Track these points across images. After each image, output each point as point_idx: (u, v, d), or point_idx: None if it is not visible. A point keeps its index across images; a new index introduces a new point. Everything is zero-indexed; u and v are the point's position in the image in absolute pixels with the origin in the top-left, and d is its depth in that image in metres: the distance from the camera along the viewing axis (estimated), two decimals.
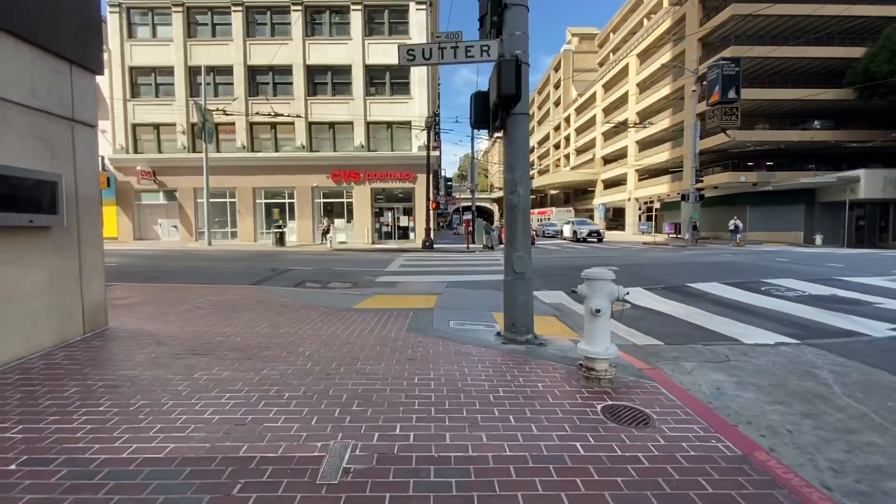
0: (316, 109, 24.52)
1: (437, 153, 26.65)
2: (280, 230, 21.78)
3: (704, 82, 27.41)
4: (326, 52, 24.33)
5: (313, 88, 24.75)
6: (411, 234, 25.16)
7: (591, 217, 49.32)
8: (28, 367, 3.71)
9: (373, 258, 16.35)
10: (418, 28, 23.87)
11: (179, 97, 24.68)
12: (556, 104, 75.18)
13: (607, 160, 53.15)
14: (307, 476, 2.21)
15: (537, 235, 35.75)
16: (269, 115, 23.23)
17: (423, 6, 23.84)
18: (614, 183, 51.82)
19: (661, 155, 39.88)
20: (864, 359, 4.63)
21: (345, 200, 25.11)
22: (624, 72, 47.58)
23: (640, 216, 45.88)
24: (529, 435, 2.65)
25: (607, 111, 51.88)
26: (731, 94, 26.63)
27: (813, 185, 29.00)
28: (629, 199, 47.01)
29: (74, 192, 4.49)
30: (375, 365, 3.87)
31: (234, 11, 24.21)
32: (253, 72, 24.73)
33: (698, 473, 2.30)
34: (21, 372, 3.62)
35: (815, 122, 33.47)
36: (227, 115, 23.39)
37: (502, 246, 22.48)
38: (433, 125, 23.44)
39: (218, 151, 24.46)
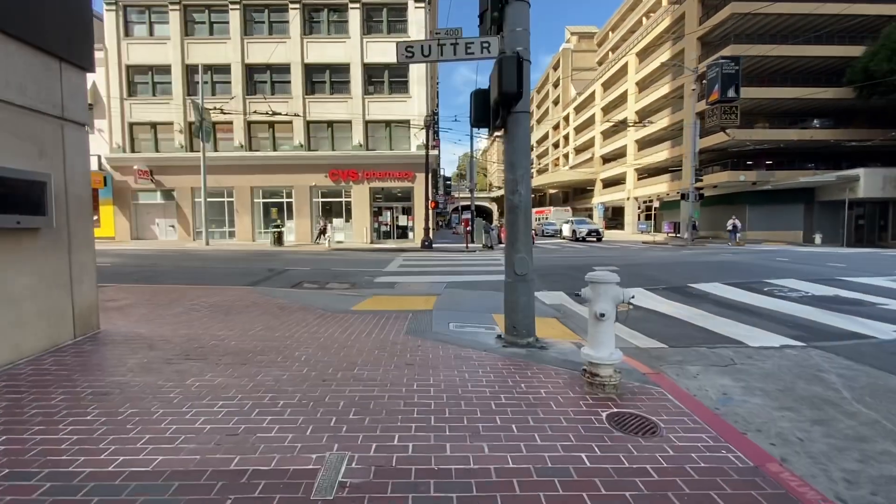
0: (314, 108, 24.38)
1: (435, 152, 26.55)
2: (278, 230, 21.66)
3: (704, 81, 27.33)
4: (324, 51, 24.19)
5: (311, 87, 24.62)
6: (410, 234, 25.05)
7: (590, 216, 49.28)
8: (15, 374, 3.61)
9: (371, 258, 16.25)
10: (417, 26, 23.75)
11: (177, 96, 24.53)
12: (555, 103, 75.11)
13: (606, 159, 53.09)
14: (301, 491, 2.10)
15: (536, 235, 35.68)
16: (267, 113, 23.09)
17: (422, 4, 23.71)
18: (613, 182, 51.77)
19: (660, 154, 39.82)
20: (871, 362, 4.55)
21: (343, 200, 24.99)
22: (623, 70, 47.51)
23: (639, 215, 45.83)
24: (533, 445, 2.55)
25: (606, 110, 51.83)
26: (731, 93, 26.56)
27: (812, 184, 28.96)
28: (628, 199, 46.97)
29: (64, 192, 4.38)
30: (373, 370, 3.77)
31: (231, 9, 24.05)
32: (251, 70, 24.58)
33: (710, 487, 2.20)
34: (7, 379, 3.51)
35: (815, 121, 33.45)
36: (225, 113, 23.26)
37: (502, 245, 22.48)
38: (432, 124, 23.33)
39: (216, 150, 24.33)
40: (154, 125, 24.91)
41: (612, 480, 2.23)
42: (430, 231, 22.14)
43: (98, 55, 24.28)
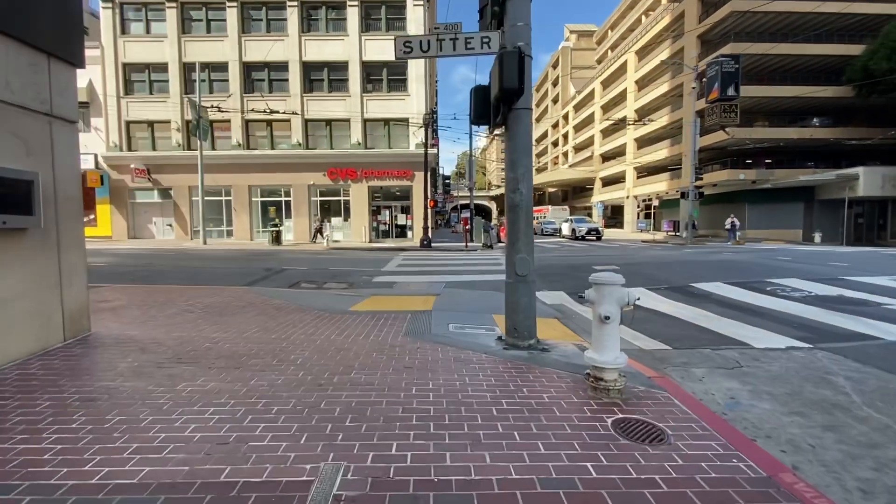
0: (312, 106, 24.24)
1: (434, 151, 26.44)
2: (276, 229, 21.53)
3: (704, 79, 27.23)
4: (323, 49, 24.04)
5: (309, 85, 24.47)
6: (409, 233, 24.94)
7: (590, 215, 49.22)
8: (0, 379, 3.49)
9: (370, 257, 16.13)
10: (416, 24, 23.60)
11: (174, 94, 24.37)
12: (555, 101, 75.03)
13: (606, 158, 53.01)
14: None
15: (535, 234, 35.54)
16: (265, 111, 22.95)
17: (421, 2, 23.57)
18: (613, 181, 51.70)
19: (659, 152, 39.74)
20: (879, 364, 4.46)
21: (342, 199, 24.86)
22: (622, 69, 47.41)
23: (638, 214, 45.76)
24: (536, 454, 2.45)
25: (606, 108, 51.74)
26: (731, 91, 26.45)
27: (812, 182, 28.91)
28: (628, 197, 46.90)
29: (53, 191, 4.26)
30: (371, 374, 3.66)
31: (228, 7, 23.88)
32: (248, 68, 24.43)
33: (722, 499, 2.10)
34: None
35: (815, 120, 33.39)
36: (222, 111, 23.12)
37: (501, 244, 22.36)
38: (431, 122, 23.21)
39: (213, 149, 24.19)
40: (151, 123, 24.75)
41: (621, 493, 2.12)
42: (429, 230, 22.03)
43: (94, 53, 24.12)
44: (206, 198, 22.67)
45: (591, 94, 56.21)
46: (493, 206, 74.77)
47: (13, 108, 3.86)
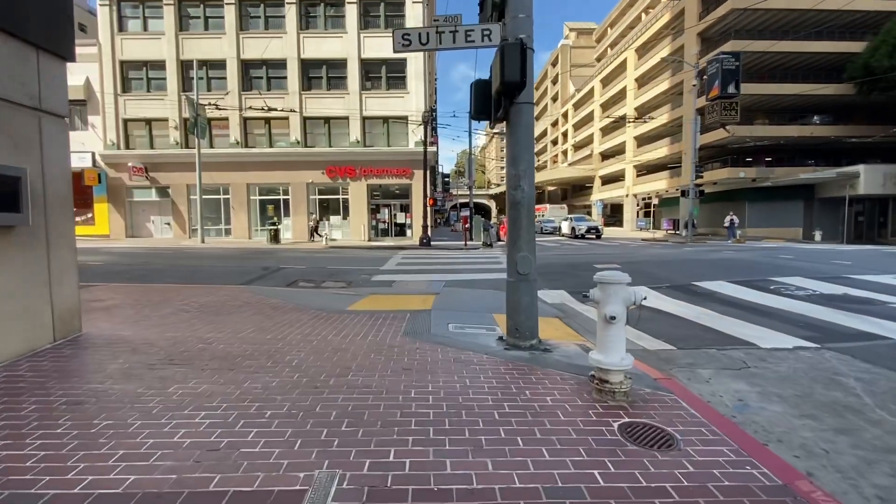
0: (311, 104, 24.10)
1: (434, 149, 26.31)
2: (274, 227, 21.39)
3: (704, 76, 27.11)
4: (321, 46, 23.89)
5: (308, 83, 24.32)
6: (408, 231, 24.82)
7: (589, 213, 49.11)
8: None
9: (369, 256, 16.02)
10: (415, 21, 23.45)
11: (171, 92, 24.21)
12: (554, 100, 74.88)
13: (605, 156, 52.88)
14: None
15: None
16: (263, 109, 22.78)
17: None
18: (612, 179, 51.58)
19: (659, 151, 39.62)
20: (889, 364, 4.36)
21: (340, 197, 24.73)
22: (622, 67, 47.26)
23: (638, 212, 45.66)
24: (541, 461, 2.34)
25: (605, 107, 51.60)
26: (731, 89, 26.32)
27: (812, 180, 28.80)
28: (627, 196, 46.79)
29: (42, 187, 4.15)
30: (368, 376, 3.55)
31: (226, 4, 23.71)
32: (246, 66, 24.27)
33: None
34: None
35: (815, 118, 33.27)
36: (220, 109, 22.97)
37: (501, 243, 22.25)
38: (430, 120, 23.08)
39: (211, 147, 24.04)
40: (149, 121, 24.60)
41: (630, 502, 2.02)
42: (429, 228, 21.92)
43: (91, 50, 23.97)
44: (204, 196, 22.54)
45: (591, 92, 56.05)
46: (492, 204, 74.68)
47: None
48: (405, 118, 24.00)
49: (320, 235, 22.80)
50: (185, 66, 24.07)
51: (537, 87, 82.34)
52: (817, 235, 26.91)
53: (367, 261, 14.11)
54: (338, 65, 24.10)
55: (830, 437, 2.98)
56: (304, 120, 24.23)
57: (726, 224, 26.65)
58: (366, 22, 23.93)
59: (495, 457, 2.38)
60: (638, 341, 5.10)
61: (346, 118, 24.11)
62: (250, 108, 23.64)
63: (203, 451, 2.42)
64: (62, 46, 4.38)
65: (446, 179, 57.44)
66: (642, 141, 43.77)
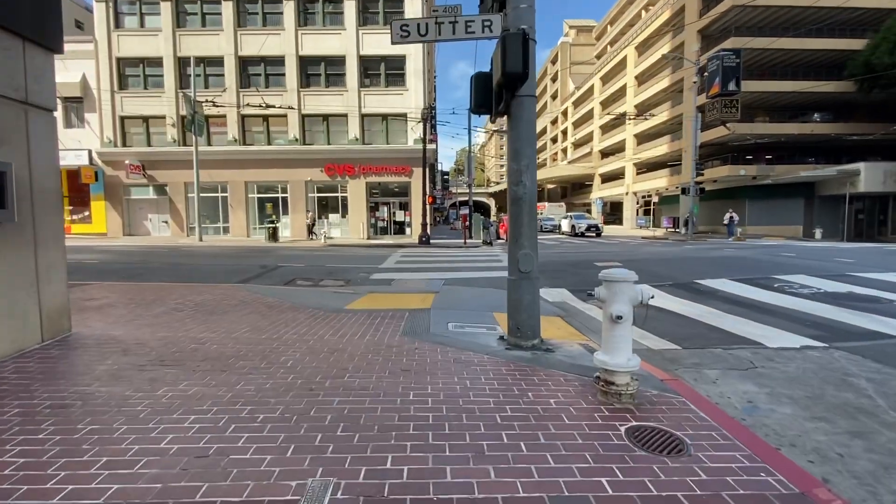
0: (309, 101, 23.94)
1: (433, 146, 26.14)
2: (273, 225, 21.23)
3: (705, 74, 26.98)
4: (319, 43, 23.72)
5: (306, 80, 24.16)
6: (407, 230, 24.69)
7: (589, 211, 48.98)
8: None
9: (368, 254, 15.90)
10: (414, 17, 23.26)
11: (169, 89, 24.03)
12: (553, 97, 74.70)
13: (605, 154, 52.77)
14: None
15: None
16: (261, 106, 22.61)
17: None
18: (612, 177, 51.45)
19: (659, 148, 39.49)
20: None
21: (339, 195, 24.59)
22: (622, 64, 47.09)
23: (637, 210, 45.55)
24: (545, 468, 2.23)
25: (605, 104, 51.44)
26: (732, 86, 26.18)
27: (813, 178, 28.69)
28: (627, 194, 46.68)
29: (29, 183, 4.02)
30: (365, 377, 3.43)
31: (224, 0, 23.51)
32: (244, 63, 24.10)
33: None
34: None
35: (815, 115, 33.14)
36: (217, 106, 22.80)
37: (500, 241, 22.11)
38: (429, 117, 22.92)
39: (209, 145, 23.87)
40: (146, 119, 24.43)
41: None
42: (428, 227, 21.79)
43: (88, 47, 23.80)
44: (201, 194, 22.38)
45: (591, 89, 55.88)
46: (491, 202, 74.52)
47: None
48: (404, 115, 23.85)
49: (315, 234, 22.65)
50: (182, 63, 23.90)
51: (537, 84, 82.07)
52: (817, 233, 26.82)
53: (366, 259, 13.99)
54: (336, 62, 23.93)
55: (844, 440, 2.88)
56: (303, 117, 24.07)
57: (726, 222, 26.56)
58: (364, 18, 23.77)
59: (497, 463, 2.27)
60: (642, 340, 4.99)
61: (345, 116, 23.96)
62: (248, 105, 23.48)
63: (191, 457, 2.30)
64: (49, 38, 4.25)
65: (445, 177, 57.29)
66: (642, 139, 43.64)
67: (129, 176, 23.85)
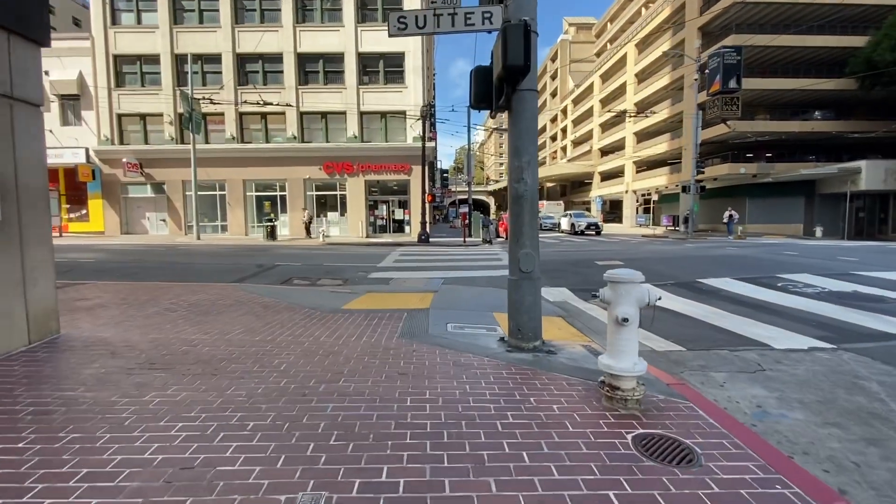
0: (307, 99, 23.78)
1: (432, 144, 25.98)
2: (271, 224, 21.10)
3: (706, 71, 26.84)
4: (318, 40, 23.54)
5: (304, 77, 23.99)
6: (406, 228, 24.56)
7: (588, 209, 48.86)
8: None
9: (366, 253, 15.77)
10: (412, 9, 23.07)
11: (166, 86, 23.87)
12: (553, 95, 74.52)
13: (605, 152, 52.62)
14: None
15: None
16: (259, 104, 22.45)
17: None
18: (612, 175, 51.32)
19: (659, 146, 39.35)
20: None
21: (338, 193, 24.44)
22: (622, 62, 46.90)
23: (637, 209, 45.43)
24: (549, 481, 2.11)
25: (605, 102, 51.27)
26: (733, 84, 26.05)
27: (813, 176, 28.58)
28: (627, 192, 46.54)
29: (14, 180, 3.89)
30: (361, 381, 3.31)
31: None
32: (242, 60, 23.92)
33: None
34: None
35: (816, 113, 33.00)
36: (215, 104, 22.59)
37: (500, 239, 21.96)
38: (428, 115, 22.76)
39: (207, 143, 23.71)
40: (143, 116, 24.26)
41: None
42: (427, 225, 21.66)
43: (84, 44, 23.62)
44: (199, 192, 22.22)
45: (591, 87, 55.70)
46: (491, 201, 74.37)
47: None
48: (403, 113, 23.70)
49: (312, 233, 22.50)
50: (179, 60, 23.71)
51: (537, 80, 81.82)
52: (818, 231, 26.71)
53: (365, 258, 13.87)
54: (335, 59, 23.76)
55: (860, 448, 2.76)
56: (301, 115, 23.91)
57: (725, 220, 26.47)
58: (363, 15, 23.59)
59: (499, 475, 2.15)
60: (646, 342, 4.87)
61: (344, 113, 23.80)
62: (245, 102, 23.31)
63: (176, 469, 2.18)
64: (35, 30, 4.11)
65: (445, 176, 57.16)
66: (642, 137, 43.50)
67: (127, 174, 23.69)
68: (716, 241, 22.01)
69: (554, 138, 74.83)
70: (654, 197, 42.35)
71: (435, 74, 42.19)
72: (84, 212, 24.73)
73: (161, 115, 24.05)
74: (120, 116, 24.15)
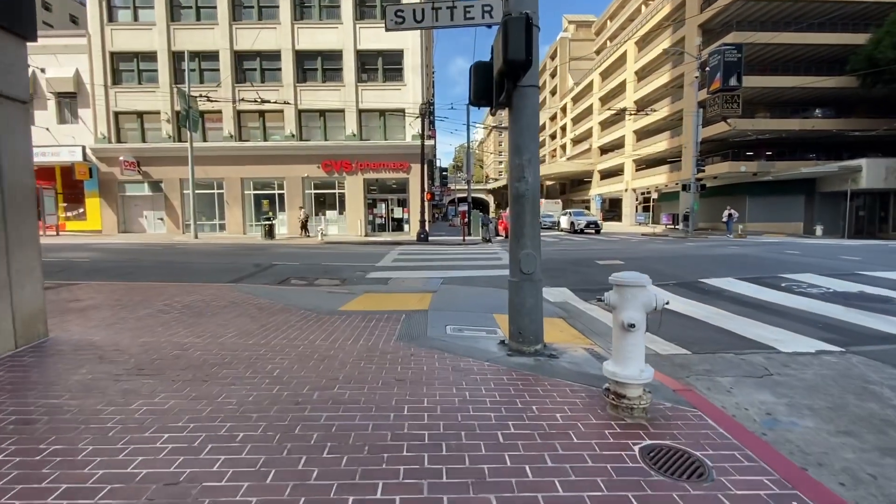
0: (305, 96, 23.62)
1: (431, 142, 25.85)
2: (269, 222, 20.97)
3: (707, 68, 26.72)
4: (316, 37, 23.37)
5: (303, 75, 23.83)
6: (405, 226, 24.44)
7: (588, 208, 48.75)
8: None
9: (365, 251, 15.65)
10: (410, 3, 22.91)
11: (163, 84, 23.69)
12: (553, 93, 74.32)
13: (604, 150, 52.50)
14: None
15: None
16: (257, 101, 22.29)
17: None
18: (611, 173, 51.21)
19: (659, 145, 39.24)
20: None
21: (337, 191, 24.30)
22: (622, 60, 46.76)
23: (637, 207, 45.33)
24: (554, 498, 2.00)
25: (604, 100, 51.12)
26: (733, 81, 26.00)
27: (814, 174, 28.49)
28: (626, 190, 46.44)
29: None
30: (357, 388, 3.20)
31: None
32: (240, 57, 23.75)
33: None
34: None
35: (817, 111, 32.90)
36: (212, 101, 22.44)
37: (499, 238, 21.83)
38: (427, 113, 22.61)
39: (204, 141, 23.56)
40: (140, 114, 24.09)
41: None
42: (426, 223, 21.54)
43: (81, 42, 23.44)
44: (197, 191, 22.08)
45: (590, 85, 55.54)
46: (490, 199, 74.22)
47: None
48: (402, 111, 23.55)
49: (309, 231, 22.37)
50: (176, 58, 23.54)
51: None
52: (818, 230, 26.63)
53: (363, 257, 13.75)
54: (333, 56, 23.60)
55: (875, 458, 2.66)
56: (299, 113, 23.76)
57: (724, 219, 26.37)
58: (361, 12, 23.41)
59: (501, 492, 2.04)
60: (650, 345, 4.75)
61: (342, 111, 23.64)
62: (243, 100, 23.14)
63: (159, 485, 2.07)
64: (21, 24, 3.98)
65: (444, 174, 56.91)
66: (642, 135, 43.37)
67: (124, 172, 23.54)
68: (716, 240, 21.92)
69: (553, 136, 74.67)
70: (654, 195, 42.26)
71: (434, 72, 41.99)
72: (81, 210, 24.58)
73: (158, 112, 23.89)
74: (117, 114, 23.98)
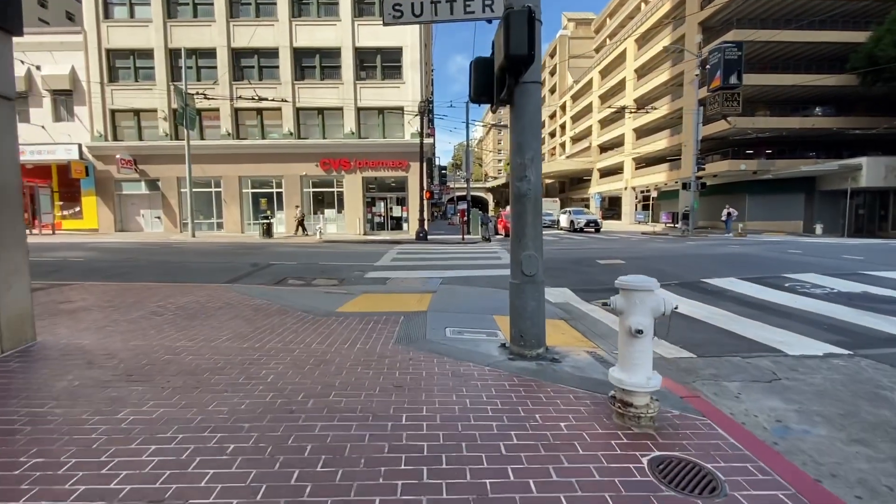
0: (304, 94, 23.47)
1: (430, 140, 25.71)
2: (267, 221, 20.83)
3: (707, 66, 26.59)
4: (314, 34, 23.21)
5: (301, 72, 23.67)
6: (404, 225, 24.33)
7: (587, 206, 48.65)
8: None
9: (364, 251, 15.53)
10: None
11: (160, 81, 23.52)
12: (552, 91, 74.14)
13: (604, 148, 52.40)
14: None
15: None
16: (254, 99, 22.13)
17: None
18: (611, 172, 51.11)
19: (658, 143, 39.14)
20: None
21: (335, 190, 24.18)
22: (621, 57, 46.61)
23: (636, 205, 45.24)
24: None
25: (604, 98, 51.00)
26: (733, 79, 25.85)
27: (814, 172, 28.41)
28: (626, 189, 46.35)
29: None
30: (353, 395, 3.09)
31: None
32: (237, 55, 23.57)
33: None
34: None
35: (817, 109, 32.81)
36: (209, 99, 22.29)
37: (499, 237, 21.70)
38: (426, 111, 22.46)
39: (202, 139, 23.42)
40: (137, 112, 23.92)
41: None
42: (425, 222, 21.41)
43: (77, 39, 23.25)
44: (194, 189, 21.95)
45: (590, 83, 55.41)
46: (489, 197, 74.08)
47: None
48: (401, 109, 23.42)
49: (306, 230, 22.22)
50: (173, 55, 23.36)
51: None
52: (818, 229, 26.56)
53: (362, 256, 13.63)
54: (331, 54, 23.44)
55: (891, 469, 2.55)
56: (297, 111, 23.61)
57: (724, 217, 26.28)
58: (360, 9, 23.24)
59: None
60: (654, 348, 4.63)
61: (341, 109, 23.50)
62: (241, 98, 22.98)
63: (143, 502, 1.96)
64: (6, 18, 3.85)
65: (443, 172, 56.75)
66: (641, 133, 43.26)
67: (121, 171, 23.38)
68: (717, 239, 21.83)
69: (553, 135, 74.53)
70: (654, 194, 42.17)
71: (433, 70, 41.84)
72: (77, 209, 24.42)
73: (155, 110, 23.72)
74: (113, 112, 23.81)
